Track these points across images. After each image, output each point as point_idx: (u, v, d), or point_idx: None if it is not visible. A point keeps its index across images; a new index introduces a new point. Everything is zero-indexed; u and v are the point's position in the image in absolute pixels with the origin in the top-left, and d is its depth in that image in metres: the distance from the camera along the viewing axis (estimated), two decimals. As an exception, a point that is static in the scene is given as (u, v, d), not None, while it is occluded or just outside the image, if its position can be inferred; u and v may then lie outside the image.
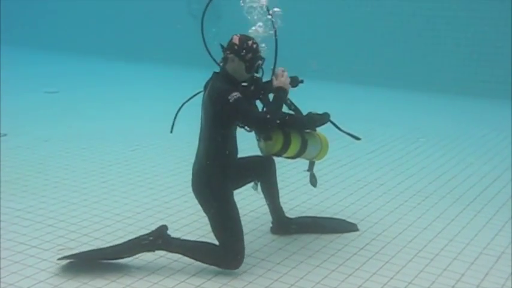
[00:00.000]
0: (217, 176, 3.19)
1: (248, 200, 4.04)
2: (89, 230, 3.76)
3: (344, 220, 3.93)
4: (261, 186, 3.60)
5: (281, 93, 3.18)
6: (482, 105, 7.81)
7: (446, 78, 8.48)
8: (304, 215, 4.03)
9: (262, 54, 3.21)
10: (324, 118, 3.42)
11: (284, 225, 3.70)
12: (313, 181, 3.67)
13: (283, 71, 3.24)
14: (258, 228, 3.83)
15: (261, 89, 3.26)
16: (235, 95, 3.02)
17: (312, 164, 3.67)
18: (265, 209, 3.87)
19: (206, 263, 3.20)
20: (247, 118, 3.08)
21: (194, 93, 3.37)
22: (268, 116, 3.08)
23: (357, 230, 3.81)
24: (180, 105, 3.40)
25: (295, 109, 3.40)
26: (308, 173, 3.69)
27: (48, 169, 4.95)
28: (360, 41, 9.05)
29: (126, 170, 4.97)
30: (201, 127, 3.25)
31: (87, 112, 7.10)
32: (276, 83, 3.20)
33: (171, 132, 3.50)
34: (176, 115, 3.44)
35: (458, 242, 3.66)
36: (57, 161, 5.19)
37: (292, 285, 3.12)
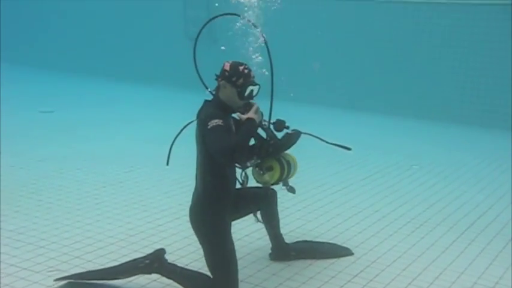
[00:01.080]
0: (213, 209, 3.13)
1: (242, 224, 4.01)
2: (82, 252, 3.72)
3: (337, 245, 3.94)
4: (262, 215, 3.60)
5: (249, 125, 3.05)
6: (477, 133, 7.86)
7: (442, 106, 8.54)
8: (299, 239, 4.01)
9: (257, 80, 3.18)
10: (295, 136, 3.40)
11: (284, 251, 3.70)
12: (292, 189, 3.64)
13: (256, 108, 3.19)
14: (252, 253, 3.81)
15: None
16: (216, 121, 2.93)
17: (286, 180, 3.61)
18: (260, 233, 3.86)
19: None
20: (213, 146, 2.92)
21: (186, 124, 3.31)
22: (231, 146, 2.88)
23: (352, 254, 3.82)
24: (172, 138, 3.32)
25: (271, 134, 3.36)
26: (284, 187, 3.66)
27: (42, 189, 4.92)
28: (356, 67, 9.14)
29: (120, 191, 4.95)
30: (196, 157, 3.21)
31: (82, 133, 7.09)
32: (248, 114, 3.10)
33: (167, 164, 3.44)
34: (171, 148, 3.38)
35: (453, 271, 3.65)
36: (50, 181, 5.16)
37: (285, 312, 3.10)
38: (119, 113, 8.38)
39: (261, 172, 3.34)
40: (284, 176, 3.39)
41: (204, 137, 3.00)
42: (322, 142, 3.49)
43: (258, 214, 3.56)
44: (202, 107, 3.18)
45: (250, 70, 3.16)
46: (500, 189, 5.43)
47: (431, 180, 5.66)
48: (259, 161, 3.33)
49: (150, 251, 3.71)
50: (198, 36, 3.33)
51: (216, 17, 3.39)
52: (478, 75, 8.25)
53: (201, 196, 3.18)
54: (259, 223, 3.66)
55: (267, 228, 3.67)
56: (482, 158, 6.57)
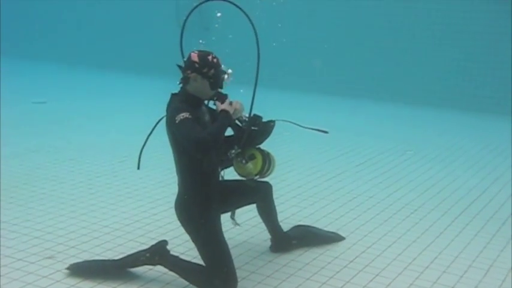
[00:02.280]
0: (196, 205, 3.08)
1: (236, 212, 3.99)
2: (77, 242, 3.71)
3: (327, 231, 3.91)
4: (259, 209, 3.54)
5: (223, 117, 3.00)
6: (469, 118, 7.88)
7: (434, 92, 8.56)
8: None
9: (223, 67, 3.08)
10: (270, 125, 3.29)
11: (285, 242, 3.63)
12: (236, 223, 3.49)
13: (236, 103, 3.12)
14: (248, 240, 3.81)
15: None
16: (183, 115, 2.87)
17: (267, 174, 3.39)
18: (254, 221, 3.85)
19: (198, 287, 3.11)
20: (186, 140, 2.86)
21: (157, 122, 3.17)
22: (206, 137, 2.84)
23: (343, 238, 3.84)
24: (144, 139, 3.23)
25: (247, 126, 3.23)
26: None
27: (35, 180, 4.89)
28: (350, 54, 9.12)
29: (114, 181, 4.93)
30: (172, 153, 3.13)
31: (74, 123, 7.05)
32: (221, 106, 3.05)
33: (138, 168, 3.36)
34: (142, 150, 3.27)
35: (448, 255, 3.67)
36: (44, 172, 5.13)
37: (282, 298, 3.11)
38: (112, 104, 8.33)
39: (244, 161, 3.22)
40: (266, 166, 3.25)
41: (174, 134, 2.95)
42: (307, 129, 3.41)
43: (236, 217, 3.43)
44: (169, 102, 3.07)
45: (218, 58, 3.05)
46: (494, 173, 5.46)
47: (426, 166, 5.68)
48: (239, 150, 3.21)
49: (145, 240, 3.74)
50: (184, 22, 3.26)
51: (202, 3, 3.31)
52: (471, 60, 8.26)
53: (182, 193, 3.14)
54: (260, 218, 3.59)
55: (264, 222, 3.59)
56: (475, 142, 6.60)
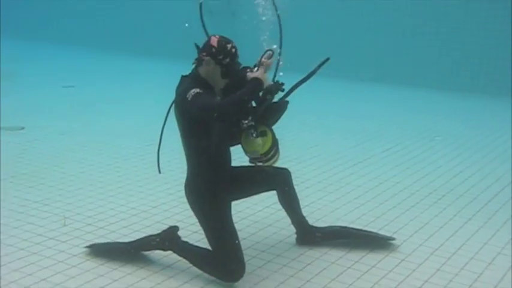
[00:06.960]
0: (203, 187, 3.05)
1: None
2: (105, 223, 3.79)
3: (379, 234, 3.62)
4: (279, 197, 3.41)
5: (254, 84, 2.86)
6: (500, 105, 7.72)
7: (464, 78, 8.41)
8: (318, 211, 4.02)
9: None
10: (284, 103, 3.12)
11: (308, 235, 3.48)
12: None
13: (270, 57, 2.98)
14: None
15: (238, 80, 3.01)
16: (194, 90, 2.81)
17: (273, 157, 3.15)
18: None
19: (206, 273, 3.08)
20: (204, 110, 2.77)
21: (168, 108, 3.13)
22: (228, 103, 2.76)
23: (394, 239, 3.56)
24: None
25: (267, 91, 3.01)
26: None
27: (65, 162, 4.99)
28: (373, 40, 9.00)
29: (142, 164, 4.99)
30: (181, 138, 3.09)
31: (103, 107, 7.14)
32: (253, 74, 2.92)
33: (160, 172, 3.40)
34: (159, 150, 3.32)
35: (476, 242, 3.63)
36: (73, 154, 5.23)
37: (308, 281, 3.12)
38: (139, 88, 8.40)
39: (254, 135, 3.00)
40: (273, 150, 3.05)
41: (186, 113, 2.89)
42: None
43: None
44: (179, 84, 3.01)
45: (236, 49, 2.96)
46: (524, 161, 5.35)
47: (454, 152, 5.60)
48: (252, 123, 3.01)
49: (171, 222, 3.79)
50: (201, 5, 3.20)
51: None
52: (504, 46, 8.09)
53: (190, 176, 3.11)
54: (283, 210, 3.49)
55: (286, 211, 3.45)
56: (505, 130, 6.46)
